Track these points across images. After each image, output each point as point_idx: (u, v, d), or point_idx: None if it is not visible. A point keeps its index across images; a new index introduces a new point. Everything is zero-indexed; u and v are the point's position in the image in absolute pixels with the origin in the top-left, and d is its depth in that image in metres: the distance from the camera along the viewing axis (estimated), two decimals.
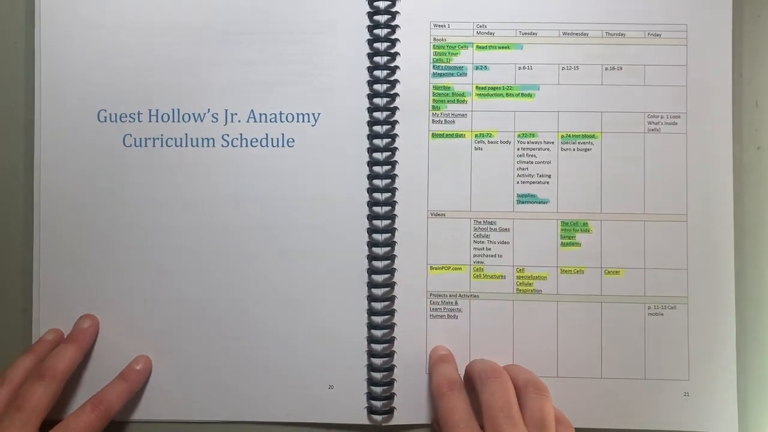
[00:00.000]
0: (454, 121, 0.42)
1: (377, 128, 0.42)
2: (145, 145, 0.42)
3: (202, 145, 0.42)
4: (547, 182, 0.42)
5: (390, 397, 0.41)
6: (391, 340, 0.42)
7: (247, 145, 0.42)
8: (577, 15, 0.42)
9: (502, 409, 0.36)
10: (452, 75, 0.42)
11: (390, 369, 0.41)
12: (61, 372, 0.39)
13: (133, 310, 0.42)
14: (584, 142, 0.42)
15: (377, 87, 0.42)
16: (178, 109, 0.42)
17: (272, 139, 0.42)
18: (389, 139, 0.42)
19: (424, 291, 0.42)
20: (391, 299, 0.42)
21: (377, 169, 0.42)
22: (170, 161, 0.42)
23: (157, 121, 0.42)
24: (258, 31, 0.42)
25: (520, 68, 0.42)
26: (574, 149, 0.42)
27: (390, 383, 0.41)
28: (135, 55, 0.42)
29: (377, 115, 0.42)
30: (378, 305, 0.41)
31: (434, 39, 0.42)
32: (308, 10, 0.42)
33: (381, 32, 0.42)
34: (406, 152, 0.42)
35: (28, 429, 0.36)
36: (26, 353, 0.40)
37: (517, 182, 0.42)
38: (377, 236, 0.42)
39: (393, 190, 0.42)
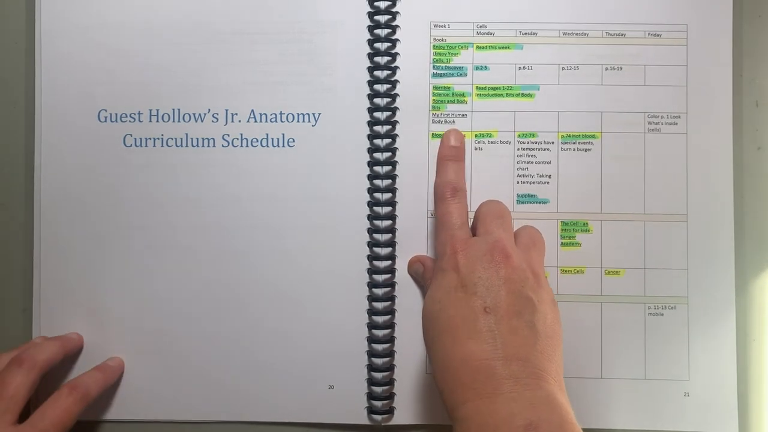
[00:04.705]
0: (454, 122, 0.42)
1: (377, 128, 0.42)
2: (146, 145, 0.42)
3: (202, 145, 0.42)
4: (547, 182, 0.42)
5: (390, 397, 0.41)
6: (391, 340, 0.42)
7: (247, 145, 0.42)
8: (577, 15, 0.42)
9: (497, 218, 0.37)
10: (452, 75, 0.42)
11: (390, 369, 0.41)
12: (41, 361, 0.38)
13: (132, 310, 0.42)
14: (584, 142, 0.42)
15: (377, 87, 0.42)
16: (178, 109, 0.42)
17: (272, 139, 0.42)
18: (389, 139, 0.42)
19: (423, 291, 0.42)
20: (392, 299, 0.42)
21: (377, 169, 0.42)
22: (170, 161, 0.42)
23: (157, 121, 0.42)
24: (258, 31, 0.42)
25: (520, 68, 0.42)
26: (574, 149, 0.42)
27: (390, 383, 0.41)
28: (135, 55, 0.42)
29: (377, 115, 0.42)
30: (378, 305, 0.41)
31: (434, 39, 0.42)
32: (309, 10, 0.42)
33: (381, 32, 0.42)
34: (406, 152, 0.42)
35: (7, 418, 0.36)
36: (10, 351, 0.39)
37: (517, 182, 0.42)
38: (377, 236, 0.42)
39: (393, 190, 0.42)
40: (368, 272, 0.42)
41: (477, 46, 0.42)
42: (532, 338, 0.32)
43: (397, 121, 0.42)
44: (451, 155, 0.40)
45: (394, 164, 0.42)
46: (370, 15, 0.42)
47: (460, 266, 0.34)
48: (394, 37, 0.42)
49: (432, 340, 0.34)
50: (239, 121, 0.42)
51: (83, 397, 0.38)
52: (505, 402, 0.30)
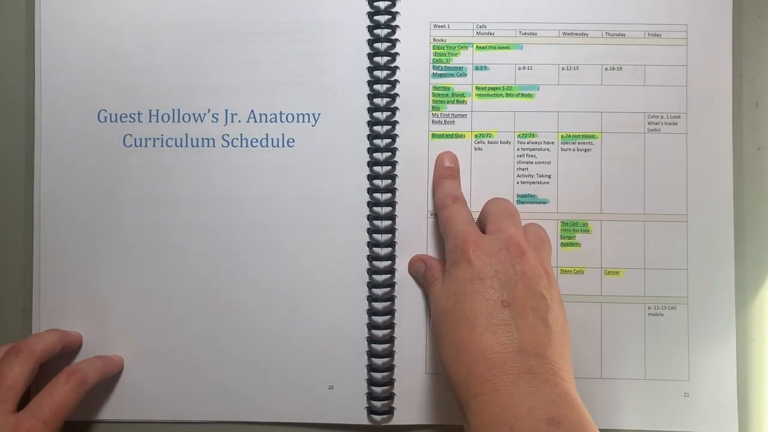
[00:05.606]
0: (453, 122, 0.42)
1: (377, 128, 0.42)
2: (145, 145, 0.42)
3: (202, 145, 0.42)
4: (547, 182, 0.42)
5: (390, 397, 0.41)
6: (391, 340, 0.42)
7: (247, 145, 0.42)
8: (577, 15, 0.42)
9: (508, 216, 0.37)
10: (452, 75, 0.42)
11: (390, 369, 0.41)
12: (38, 350, 0.38)
13: (133, 310, 0.42)
14: (584, 142, 0.42)
15: (377, 87, 0.42)
16: (178, 109, 0.42)
17: (272, 139, 0.42)
18: (389, 140, 0.42)
19: (424, 291, 0.42)
20: (392, 299, 0.42)
21: (377, 169, 0.42)
22: (170, 161, 0.42)
23: (157, 121, 0.42)
24: (258, 31, 0.42)
25: (519, 68, 0.42)
26: (574, 149, 0.42)
27: (390, 383, 0.41)
28: (135, 55, 0.42)
29: (377, 115, 0.42)
30: (378, 305, 0.41)
31: (434, 39, 0.42)
32: (308, 10, 0.42)
33: (381, 32, 0.42)
34: (406, 152, 0.42)
35: (5, 407, 0.36)
36: (7, 344, 0.39)
37: (517, 182, 0.42)
38: (377, 236, 0.42)
39: (393, 190, 0.42)
40: (368, 272, 0.42)
41: (477, 46, 0.42)
42: (547, 335, 0.33)
43: (396, 121, 0.42)
44: (446, 174, 0.41)
45: (394, 164, 0.42)
46: (370, 15, 0.42)
47: (473, 258, 0.35)
48: (393, 37, 0.42)
49: (445, 333, 0.34)
50: (239, 121, 0.42)
51: (81, 383, 0.38)
52: (524, 396, 0.30)
